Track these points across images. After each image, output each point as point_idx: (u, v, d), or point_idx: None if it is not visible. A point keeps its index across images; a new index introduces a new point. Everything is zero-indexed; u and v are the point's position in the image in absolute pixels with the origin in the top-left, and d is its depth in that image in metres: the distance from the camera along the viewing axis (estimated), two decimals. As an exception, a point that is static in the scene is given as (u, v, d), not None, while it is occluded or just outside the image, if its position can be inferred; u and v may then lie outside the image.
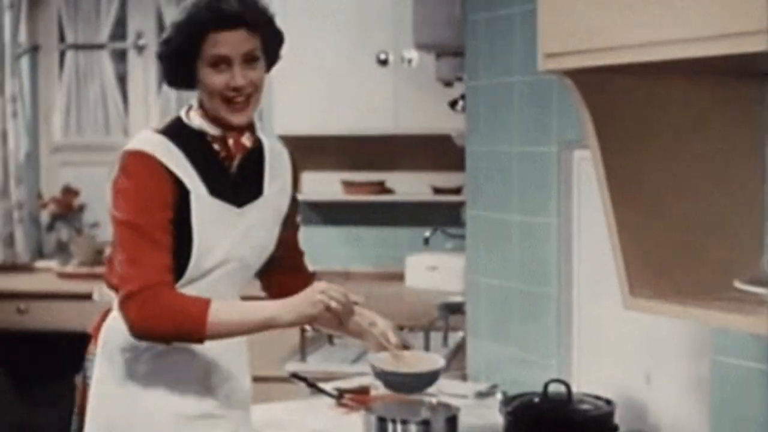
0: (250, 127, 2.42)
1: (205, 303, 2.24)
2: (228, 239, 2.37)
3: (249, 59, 2.32)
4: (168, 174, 2.30)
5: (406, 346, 2.45)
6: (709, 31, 1.59)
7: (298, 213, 2.63)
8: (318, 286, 2.30)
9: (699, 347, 2.43)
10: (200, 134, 2.38)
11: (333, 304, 2.25)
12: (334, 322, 2.28)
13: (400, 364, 2.40)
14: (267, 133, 2.54)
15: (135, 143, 2.34)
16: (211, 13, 2.30)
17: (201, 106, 2.39)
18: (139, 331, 2.25)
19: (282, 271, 2.59)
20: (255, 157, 2.46)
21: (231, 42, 2.30)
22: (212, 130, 2.38)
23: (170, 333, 2.24)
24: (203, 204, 2.33)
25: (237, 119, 2.35)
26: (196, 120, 2.39)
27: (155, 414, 2.37)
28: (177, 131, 2.37)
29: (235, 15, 2.30)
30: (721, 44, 1.58)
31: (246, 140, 2.40)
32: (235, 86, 2.31)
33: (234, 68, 2.31)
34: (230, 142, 2.38)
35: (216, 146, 2.38)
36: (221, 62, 2.31)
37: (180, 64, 2.35)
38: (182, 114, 2.42)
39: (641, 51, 1.73)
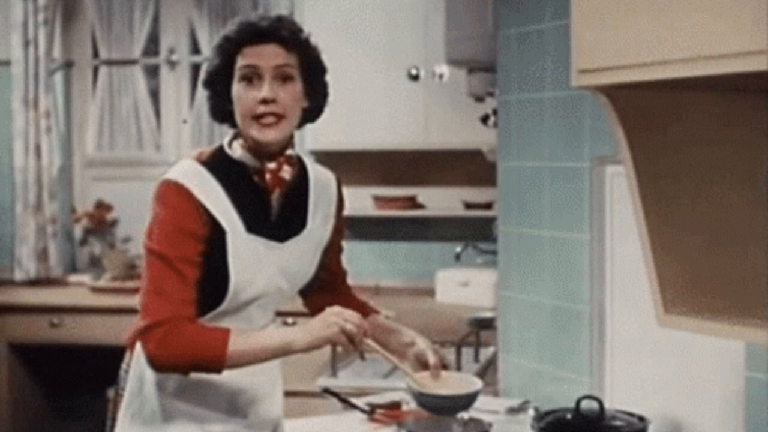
0: (289, 160, 2.38)
1: (223, 334, 2.23)
2: (266, 273, 2.36)
3: (281, 76, 2.29)
4: (203, 208, 2.28)
5: (444, 366, 2.43)
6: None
7: (343, 237, 2.61)
8: (333, 309, 2.29)
9: (733, 364, 2.41)
10: (241, 166, 2.35)
11: (348, 326, 2.24)
12: (350, 346, 2.27)
13: (436, 384, 2.38)
14: (301, 151, 2.52)
15: (173, 173, 2.31)
16: (245, 28, 2.30)
17: (244, 139, 2.36)
18: (158, 363, 2.25)
19: (325, 293, 2.58)
20: (300, 189, 2.44)
21: (262, 54, 2.29)
22: (251, 161, 2.34)
23: (189, 365, 2.25)
24: (240, 242, 2.31)
25: (264, 136, 2.29)
26: (237, 151, 2.36)
27: (179, 429, 2.37)
28: (218, 162, 2.34)
29: (268, 29, 2.29)
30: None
31: (285, 174, 2.36)
32: (263, 98, 2.27)
33: (264, 82, 2.28)
34: (267, 176, 2.34)
35: (255, 178, 2.35)
36: (253, 76, 2.28)
37: (219, 86, 2.34)
38: (225, 143, 2.39)
39: (675, 67, 1.72)
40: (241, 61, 2.30)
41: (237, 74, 2.31)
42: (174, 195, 2.27)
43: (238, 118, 2.33)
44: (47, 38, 5.88)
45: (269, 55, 2.29)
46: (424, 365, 2.40)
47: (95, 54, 6.25)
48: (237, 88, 2.31)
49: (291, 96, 2.31)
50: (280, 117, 2.30)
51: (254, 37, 2.30)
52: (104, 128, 6.27)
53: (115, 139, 6.28)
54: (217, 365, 2.23)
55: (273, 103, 2.28)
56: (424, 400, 2.39)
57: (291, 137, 2.39)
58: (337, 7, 5.32)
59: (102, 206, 6.09)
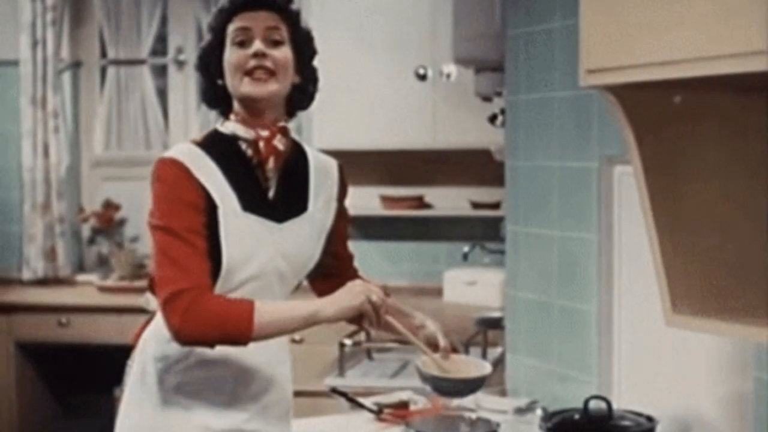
0: (282, 130, 2.39)
1: (249, 304, 2.22)
2: (263, 254, 2.35)
3: (272, 39, 2.33)
4: (198, 182, 2.29)
5: (455, 349, 2.44)
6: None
7: (348, 224, 2.61)
8: (357, 281, 2.33)
9: (741, 364, 2.41)
10: (233, 141, 2.37)
11: (374, 297, 2.26)
12: (373, 319, 2.28)
13: (446, 367, 2.39)
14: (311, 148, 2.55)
15: (168, 152, 2.35)
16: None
17: (236, 113, 2.39)
18: (184, 337, 2.22)
19: (333, 278, 2.58)
20: (299, 170, 2.45)
21: (253, 17, 2.33)
22: (244, 133, 2.36)
23: (216, 338, 2.22)
24: (233, 219, 2.31)
25: (256, 91, 2.32)
26: (229, 126, 2.38)
27: (180, 426, 2.37)
28: (212, 142, 2.37)
29: None
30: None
31: (279, 143, 2.37)
32: (255, 51, 2.30)
33: (255, 41, 2.32)
34: (261, 144, 2.35)
35: (249, 152, 2.36)
36: (245, 39, 2.32)
37: (211, 63, 2.37)
38: (218, 125, 2.42)
39: (683, 67, 1.72)
40: (232, 27, 2.34)
41: (229, 41, 2.35)
42: (170, 169, 2.29)
43: (229, 82, 2.35)
44: (55, 38, 5.89)
45: (259, 18, 2.34)
46: (434, 348, 2.41)
47: (103, 54, 6.26)
48: (229, 53, 2.35)
49: (282, 56, 2.34)
50: (271, 73, 2.33)
51: (245, 4, 2.35)
52: (112, 128, 6.28)
53: (122, 139, 6.29)
54: (244, 336, 2.21)
55: (264, 58, 2.32)
56: (434, 382, 2.39)
57: (284, 111, 2.41)
58: (344, 7, 5.31)
59: (110, 206, 6.09)
